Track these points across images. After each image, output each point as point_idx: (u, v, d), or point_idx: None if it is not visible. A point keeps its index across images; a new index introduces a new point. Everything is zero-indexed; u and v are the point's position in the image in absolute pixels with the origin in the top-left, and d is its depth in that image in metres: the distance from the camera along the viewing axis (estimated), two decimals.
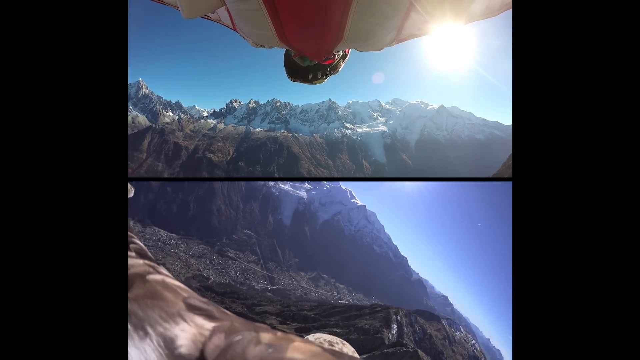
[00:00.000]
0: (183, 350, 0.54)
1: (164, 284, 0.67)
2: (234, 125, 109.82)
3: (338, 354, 0.55)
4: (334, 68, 2.18)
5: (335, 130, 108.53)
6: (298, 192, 73.62)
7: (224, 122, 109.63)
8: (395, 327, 29.55)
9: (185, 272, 45.40)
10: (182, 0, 1.42)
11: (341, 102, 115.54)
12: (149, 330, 0.56)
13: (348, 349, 1.49)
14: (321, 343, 1.34)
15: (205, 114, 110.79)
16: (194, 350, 0.55)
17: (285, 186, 72.75)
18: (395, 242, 75.38)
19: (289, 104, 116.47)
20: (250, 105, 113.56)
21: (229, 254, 53.58)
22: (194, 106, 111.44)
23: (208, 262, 50.13)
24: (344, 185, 78.20)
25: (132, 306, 0.59)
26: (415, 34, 1.63)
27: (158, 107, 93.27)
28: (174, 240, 50.91)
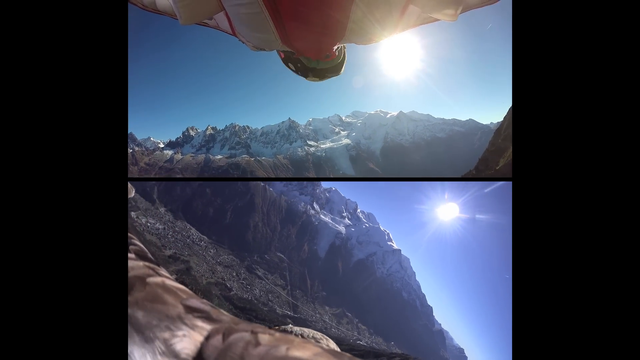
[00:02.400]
0: (182, 352, 0.54)
1: (163, 286, 0.66)
2: (193, 154, 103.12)
3: (338, 354, 0.55)
4: (341, 56, 1.98)
5: (299, 149, 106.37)
6: (337, 226, 69.03)
7: (181, 152, 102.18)
8: None
9: (208, 277, 42.82)
10: (181, 7, 1.40)
11: (301, 121, 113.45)
12: (149, 333, 0.56)
13: (332, 346, 1.45)
14: (308, 337, 1.33)
15: (161, 145, 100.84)
16: (193, 351, 0.54)
17: (326, 218, 68.54)
18: (424, 290, 72.68)
19: (248, 127, 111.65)
20: (207, 132, 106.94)
21: (258, 272, 49.54)
22: (149, 137, 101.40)
23: (234, 274, 46.47)
24: (383, 226, 75.02)
25: (132, 309, 0.59)
26: (414, 25, 1.62)
27: None
28: (204, 242, 47.53)
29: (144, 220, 45.18)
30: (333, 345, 1.29)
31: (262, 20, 1.36)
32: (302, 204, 65.82)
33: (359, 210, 75.37)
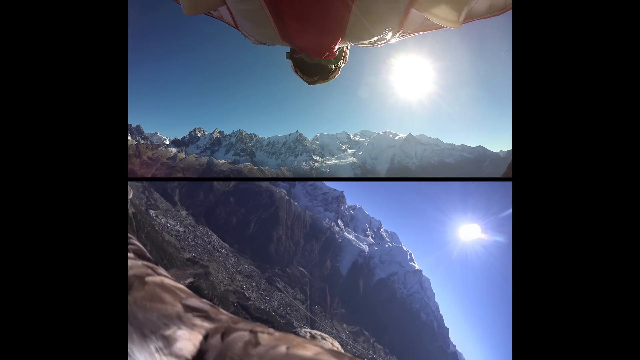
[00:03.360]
0: (181, 351, 0.53)
1: (162, 286, 0.65)
2: (196, 155, 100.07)
3: (339, 354, 0.53)
4: (342, 57, 1.97)
5: (304, 163, 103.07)
6: (361, 244, 68.36)
7: (185, 152, 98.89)
8: None
9: (226, 284, 43.23)
10: None
11: (309, 135, 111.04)
12: (148, 332, 0.55)
13: (338, 346, 1.42)
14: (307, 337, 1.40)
15: (167, 142, 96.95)
16: (193, 351, 0.53)
17: (350, 235, 68.05)
18: (442, 311, 71.84)
19: (255, 135, 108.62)
20: (214, 135, 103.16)
21: (278, 284, 49.11)
22: (156, 133, 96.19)
23: (254, 284, 46.38)
24: (406, 246, 74.35)
25: (131, 309, 0.58)
26: (417, 30, 1.60)
27: None
28: (225, 250, 47.77)
29: (163, 220, 43.89)
30: (338, 346, 1.31)
31: (262, 16, 1.35)
32: (327, 220, 64.83)
33: (382, 229, 74.26)
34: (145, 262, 0.75)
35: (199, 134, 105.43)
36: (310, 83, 2.04)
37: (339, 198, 70.30)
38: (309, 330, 1.47)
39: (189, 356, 0.53)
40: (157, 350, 0.53)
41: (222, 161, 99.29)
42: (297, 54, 1.80)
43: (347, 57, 1.98)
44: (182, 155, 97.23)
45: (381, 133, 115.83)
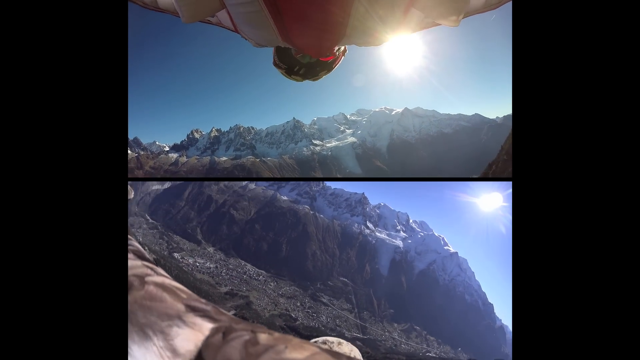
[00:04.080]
0: (182, 351, 0.54)
1: (163, 286, 0.65)
2: (198, 157, 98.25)
3: (336, 354, 0.54)
4: (328, 69, 2.00)
5: (304, 149, 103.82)
6: (394, 240, 68.20)
7: (186, 155, 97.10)
8: None
9: (271, 309, 43.18)
10: (182, 6, 1.40)
11: (306, 120, 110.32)
12: (149, 331, 0.55)
13: (345, 348, 1.49)
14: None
15: (167, 149, 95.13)
16: (193, 350, 0.54)
17: (382, 235, 67.59)
18: (484, 288, 72.03)
19: (252, 128, 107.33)
20: (212, 134, 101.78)
21: (323, 299, 49.37)
22: (154, 142, 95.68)
23: (299, 304, 46.70)
24: (437, 232, 74.05)
25: (132, 308, 0.59)
26: (415, 29, 1.59)
27: None
28: (263, 276, 48.02)
29: (191, 261, 43.90)
30: (357, 353, 1.36)
31: (262, 18, 1.35)
32: (356, 225, 64.92)
33: (411, 221, 74.53)
34: (145, 263, 0.75)
35: (197, 135, 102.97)
36: (290, 78, 2.05)
37: (362, 200, 69.87)
38: (335, 339, 1.56)
39: (190, 355, 0.53)
40: (157, 349, 0.53)
41: (224, 158, 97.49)
42: (298, 54, 1.82)
43: (340, 61, 2.01)
44: (184, 159, 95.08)
45: (377, 110, 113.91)
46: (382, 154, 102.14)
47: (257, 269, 48.25)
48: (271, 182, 70.65)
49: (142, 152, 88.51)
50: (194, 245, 46.51)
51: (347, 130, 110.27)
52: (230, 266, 46.07)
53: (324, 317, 46.35)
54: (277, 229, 55.94)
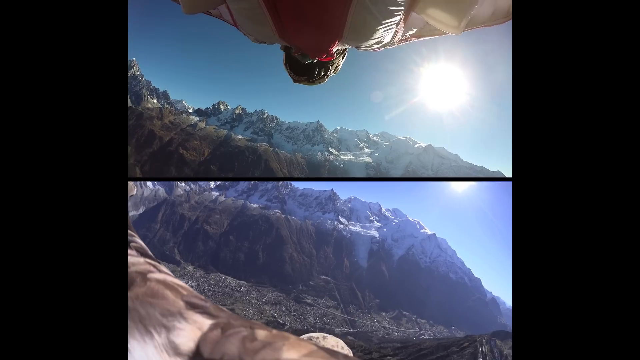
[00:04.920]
0: (182, 347, 0.53)
1: (164, 283, 0.65)
2: (216, 127, 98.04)
3: (333, 352, 0.54)
4: (335, 66, 2.00)
5: (319, 153, 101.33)
6: (369, 231, 69.13)
7: (206, 122, 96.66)
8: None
9: (257, 318, 42.81)
10: None
11: (329, 126, 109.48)
12: (150, 327, 0.55)
13: (330, 342, 1.50)
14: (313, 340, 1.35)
15: (191, 110, 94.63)
16: (192, 345, 0.54)
17: (356, 227, 68.73)
18: (468, 265, 73.42)
19: (276, 117, 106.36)
20: (236, 111, 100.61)
21: (307, 300, 49.67)
22: (182, 100, 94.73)
23: (284, 308, 47.19)
24: (411, 217, 75.64)
25: (133, 304, 0.58)
26: (417, 36, 1.59)
27: (144, 91, 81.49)
28: (244, 287, 48.73)
29: None
30: (347, 350, 1.37)
31: (260, 15, 1.34)
32: (329, 222, 65.82)
33: (384, 210, 75.38)
34: (148, 260, 0.75)
35: (222, 108, 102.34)
36: (295, 81, 1.98)
37: (332, 197, 70.37)
38: (319, 334, 1.47)
39: (189, 351, 0.53)
40: (158, 345, 0.53)
41: (240, 137, 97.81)
42: (296, 53, 1.73)
43: (340, 68, 1.94)
44: (203, 124, 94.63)
45: (401, 138, 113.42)
46: None
47: (237, 281, 48.38)
48: (240, 192, 70.56)
49: (166, 106, 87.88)
50: (173, 266, 46.24)
51: (365, 149, 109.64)
52: (211, 282, 46.40)
53: (311, 318, 46.45)
54: (252, 238, 55.93)
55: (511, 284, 1.32)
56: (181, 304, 0.61)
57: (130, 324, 0.55)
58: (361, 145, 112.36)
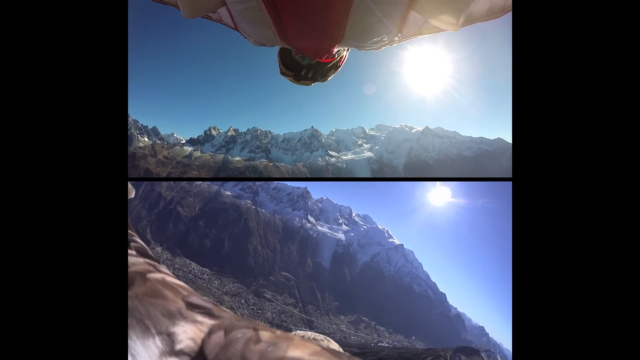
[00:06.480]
0: (183, 347, 0.53)
1: (164, 283, 0.65)
2: (212, 153, 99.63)
3: (337, 353, 0.53)
4: (335, 67, 1.98)
5: (319, 159, 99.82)
6: (336, 234, 67.08)
7: (200, 150, 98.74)
8: None
9: None
10: (184, 0, 1.40)
11: (324, 130, 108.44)
12: (150, 327, 0.54)
13: (334, 346, 1.49)
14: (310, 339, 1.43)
15: (183, 141, 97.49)
16: (194, 347, 0.53)
17: (323, 228, 66.85)
18: (434, 279, 70.40)
19: (270, 132, 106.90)
20: (229, 134, 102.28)
21: (266, 295, 48.11)
22: (172, 134, 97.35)
23: (243, 301, 45.43)
24: (380, 225, 73.32)
25: (132, 304, 0.58)
26: (416, 34, 1.60)
27: (133, 131, 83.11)
28: (207, 275, 46.05)
29: None
30: (335, 346, 1.41)
31: (260, 17, 1.34)
32: (297, 219, 62.94)
33: (354, 214, 72.62)
34: (147, 260, 0.74)
35: (214, 133, 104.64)
36: (281, 73, 1.96)
37: (304, 195, 68.81)
38: (303, 332, 1.43)
39: (191, 351, 0.52)
40: (158, 346, 0.52)
41: (237, 158, 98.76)
42: (297, 55, 1.74)
43: (341, 64, 1.90)
44: (198, 153, 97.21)
45: (397, 127, 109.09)
46: (399, 172, 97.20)
47: (201, 267, 47.29)
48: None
49: (158, 142, 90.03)
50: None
51: (364, 145, 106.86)
52: (176, 265, 45.03)
53: (269, 313, 44.90)
54: (220, 225, 54.73)
55: (511, 284, 1.32)
56: (181, 304, 0.60)
57: (130, 323, 0.54)
58: (359, 142, 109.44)
